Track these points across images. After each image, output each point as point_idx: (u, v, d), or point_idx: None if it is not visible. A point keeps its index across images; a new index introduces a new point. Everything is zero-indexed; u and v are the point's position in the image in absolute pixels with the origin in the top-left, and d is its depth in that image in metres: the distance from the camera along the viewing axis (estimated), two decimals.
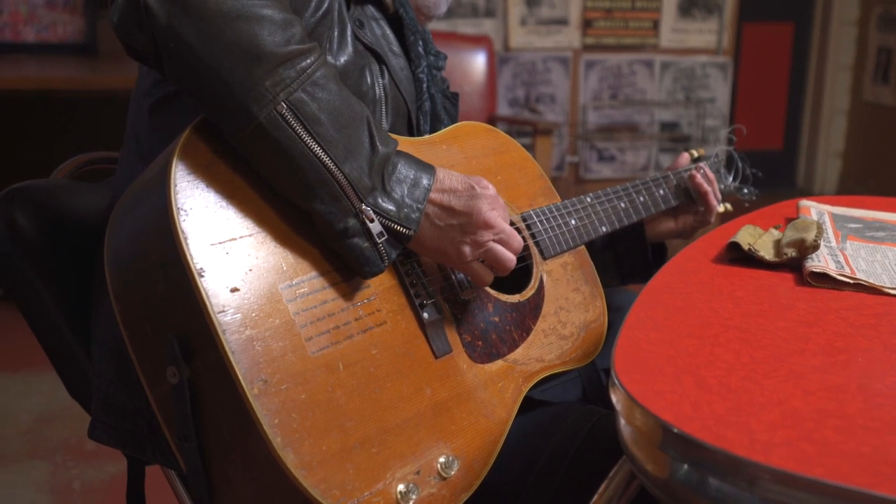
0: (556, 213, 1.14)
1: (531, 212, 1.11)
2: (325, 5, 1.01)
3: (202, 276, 0.76)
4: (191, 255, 0.76)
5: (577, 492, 0.95)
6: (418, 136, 1.13)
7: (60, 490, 2.11)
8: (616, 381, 0.72)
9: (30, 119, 3.50)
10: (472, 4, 3.83)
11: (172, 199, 0.78)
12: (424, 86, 1.14)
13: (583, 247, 1.17)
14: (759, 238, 1.05)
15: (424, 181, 0.91)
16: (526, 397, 1.07)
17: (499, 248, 0.94)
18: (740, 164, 1.46)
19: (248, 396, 0.75)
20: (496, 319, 1.01)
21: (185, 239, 0.77)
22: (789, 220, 1.20)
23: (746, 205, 1.43)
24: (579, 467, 0.97)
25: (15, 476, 2.18)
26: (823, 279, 0.95)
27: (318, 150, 0.83)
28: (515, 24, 3.87)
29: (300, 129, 0.82)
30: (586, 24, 3.93)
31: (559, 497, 0.98)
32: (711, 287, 0.95)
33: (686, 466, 0.65)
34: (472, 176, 0.94)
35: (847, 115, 5.61)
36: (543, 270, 1.10)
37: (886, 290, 0.93)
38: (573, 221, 1.15)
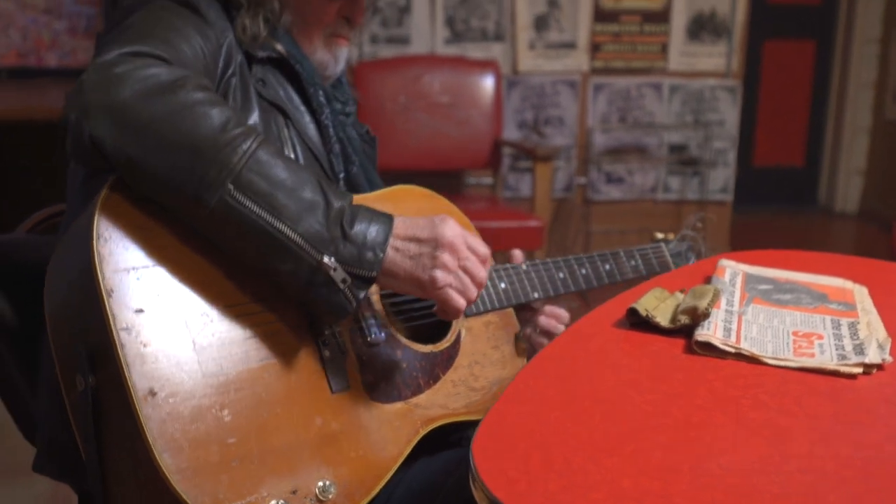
0: None
1: None
2: (232, 68, 1.10)
3: (110, 296, 0.86)
4: (102, 276, 0.86)
5: None
6: (333, 176, 1.22)
7: None
8: (470, 456, 0.78)
9: (52, 147, 3.64)
10: (481, 29, 3.90)
11: (95, 225, 0.88)
12: (330, 131, 1.22)
13: (510, 310, 1.24)
14: (662, 302, 1.10)
15: (385, 223, 0.98)
16: (447, 440, 1.13)
17: (464, 276, 1.01)
18: (703, 251, 1.52)
19: (136, 404, 0.84)
20: (403, 365, 1.08)
21: (100, 261, 0.86)
22: (708, 279, 1.25)
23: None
24: None
25: (18, 490, 2.28)
26: (708, 348, 1.00)
27: (271, 219, 0.91)
28: (524, 48, 3.93)
29: (251, 205, 0.90)
30: (594, 48, 3.98)
31: None
32: (599, 355, 1.01)
33: None
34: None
35: (869, 132, 5.57)
36: (463, 326, 1.17)
37: (765, 359, 0.98)
38: (502, 285, 1.21)
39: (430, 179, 3.83)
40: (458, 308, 1.01)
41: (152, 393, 0.85)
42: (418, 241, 0.98)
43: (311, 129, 1.20)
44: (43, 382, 1.13)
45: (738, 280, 1.23)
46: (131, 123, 0.88)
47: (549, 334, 1.27)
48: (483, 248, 1.03)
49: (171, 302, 0.90)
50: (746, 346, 1.00)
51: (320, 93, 1.22)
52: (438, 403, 1.09)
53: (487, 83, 3.73)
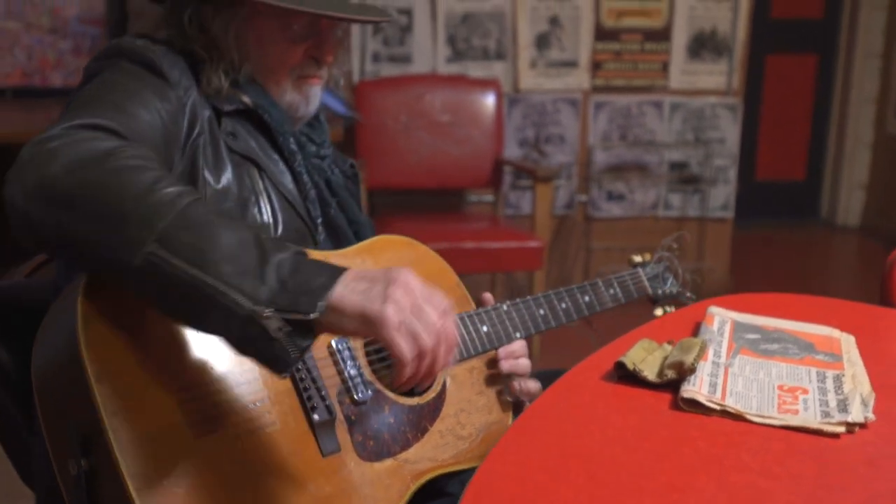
0: (467, 320, 1.22)
1: None
2: (198, 127, 1.11)
3: (98, 381, 0.86)
4: (89, 360, 0.87)
5: None
6: (310, 221, 1.22)
7: None
8: None
9: None
10: (482, 48, 3.92)
11: (79, 308, 0.89)
12: (304, 177, 1.23)
13: (493, 353, 1.25)
14: (650, 354, 1.12)
15: (334, 272, 0.90)
16: (440, 490, 1.15)
17: (416, 322, 0.89)
18: (680, 271, 1.53)
19: (131, 490, 0.85)
20: (391, 421, 1.10)
21: (86, 346, 0.87)
22: (697, 327, 1.26)
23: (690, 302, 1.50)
24: None
25: None
26: (694, 405, 1.02)
27: (197, 273, 0.85)
28: (525, 67, 3.95)
29: (177, 261, 0.86)
30: (595, 66, 3.99)
31: None
32: (588, 410, 1.03)
33: None
34: None
35: (871, 147, 5.58)
36: (447, 374, 1.18)
37: (749, 416, 1.00)
38: (484, 328, 1.23)
39: (430, 198, 3.88)
40: (402, 355, 0.88)
41: (146, 476, 0.86)
42: (371, 279, 0.90)
43: (287, 178, 1.21)
44: (39, 435, 1.15)
45: (727, 329, 1.24)
46: (59, 196, 0.87)
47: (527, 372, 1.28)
48: (442, 300, 0.93)
49: (156, 380, 0.91)
50: (731, 403, 1.02)
51: (290, 140, 1.22)
52: (427, 456, 1.11)
53: (488, 101, 3.75)
